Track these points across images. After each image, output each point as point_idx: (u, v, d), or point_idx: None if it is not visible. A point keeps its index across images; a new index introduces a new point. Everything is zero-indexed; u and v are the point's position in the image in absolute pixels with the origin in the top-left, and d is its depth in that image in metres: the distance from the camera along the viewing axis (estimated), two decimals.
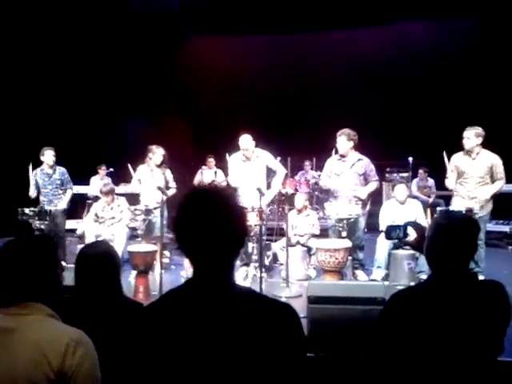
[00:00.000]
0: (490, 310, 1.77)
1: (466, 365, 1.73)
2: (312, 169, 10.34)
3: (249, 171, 5.97)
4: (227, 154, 6.56)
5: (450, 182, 5.57)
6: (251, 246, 5.84)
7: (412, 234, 5.14)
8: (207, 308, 1.25)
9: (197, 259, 1.31)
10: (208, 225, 1.26)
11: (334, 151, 6.41)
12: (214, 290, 1.27)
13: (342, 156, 5.84)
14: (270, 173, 6.13)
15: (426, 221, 5.73)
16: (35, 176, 6.50)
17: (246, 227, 1.35)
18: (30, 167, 6.45)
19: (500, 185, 5.36)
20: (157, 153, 6.36)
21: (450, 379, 1.72)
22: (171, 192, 6.25)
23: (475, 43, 9.77)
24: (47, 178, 6.52)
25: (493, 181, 5.36)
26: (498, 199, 5.59)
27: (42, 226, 5.79)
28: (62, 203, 6.55)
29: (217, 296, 1.27)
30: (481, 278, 4.58)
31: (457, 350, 1.73)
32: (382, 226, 5.68)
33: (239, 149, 6.04)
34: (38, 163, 6.57)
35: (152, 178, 6.36)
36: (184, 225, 1.30)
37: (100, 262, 2.18)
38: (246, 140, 5.95)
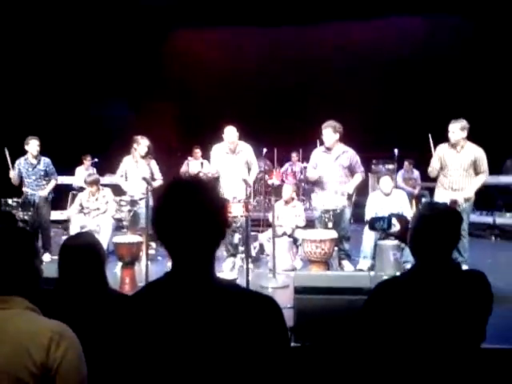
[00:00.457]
0: (472, 299, 1.80)
1: (450, 352, 1.76)
2: (299, 160, 10.36)
3: (232, 163, 5.97)
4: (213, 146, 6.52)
5: (433, 171, 5.60)
6: (237, 237, 5.84)
7: (396, 225, 5.17)
8: (187, 301, 1.23)
9: (176, 251, 1.28)
10: (187, 216, 1.23)
11: (318, 143, 6.42)
12: (194, 282, 1.25)
13: (328, 148, 5.84)
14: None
15: (411, 212, 5.78)
16: (18, 165, 6.41)
17: (226, 219, 1.33)
18: (7, 152, 6.34)
19: (483, 178, 5.42)
20: (141, 143, 6.29)
21: (433, 367, 1.75)
22: (157, 183, 6.20)
23: (463, 38, 9.87)
24: (31, 168, 6.43)
25: (476, 173, 5.41)
26: (481, 191, 5.66)
27: (26, 217, 5.73)
28: (45, 191, 6.45)
29: (197, 289, 1.24)
30: (465, 267, 4.65)
31: (440, 338, 1.76)
32: (368, 217, 5.72)
33: (223, 140, 6.02)
34: (21, 152, 6.47)
35: (137, 168, 6.30)
36: (163, 216, 1.28)
37: (84, 253, 2.14)
38: (231, 132, 5.93)
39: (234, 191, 5.55)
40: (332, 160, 5.80)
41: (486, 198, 7.82)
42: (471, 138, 5.47)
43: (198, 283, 1.25)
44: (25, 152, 6.44)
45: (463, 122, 5.37)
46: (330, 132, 5.75)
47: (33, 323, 1.51)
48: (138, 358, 1.22)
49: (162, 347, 1.20)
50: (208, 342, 1.19)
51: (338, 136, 5.78)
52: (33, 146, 6.38)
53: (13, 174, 6.34)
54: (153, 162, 6.43)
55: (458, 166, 5.39)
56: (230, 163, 5.98)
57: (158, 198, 1.32)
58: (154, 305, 1.25)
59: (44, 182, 6.51)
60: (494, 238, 8.16)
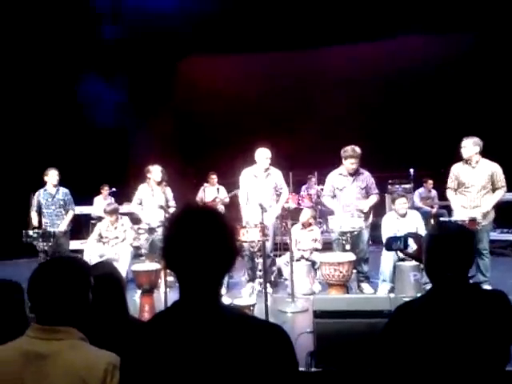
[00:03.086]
0: (494, 320, 1.76)
1: (473, 375, 1.72)
2: (315, 183, 10.35)
3: (260, 187, 5.97)
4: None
5: (450, 193, 5.56)
6: (256, 262, 5.83)
7: (413, 246, 5.11)
8: (193, 331, 1.21)
9: (184, 279, 1.28)
10: (196, 244, 1.23)
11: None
12: (201, 312, 1.24)
13: (348, 173, 5.84)
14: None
15: (425, 232, 5.72)
16: (38, 196, 6.53)
17: (235, 247, 1.31)
18: (32, 196, 6.50)
19: (501, 193, 5.35)
20: (154, 171, 6.37)
21: None
22: (172, 210, 6.25)
23: (473, 55, 9.87)
24: (50, 199, 6.54)
25: (494, 189, 5.35)
26: (502, 208, 5.58)
27: (46, 248, 5.80)
28: (63, 224, 6.53)
29: (203, 319, 1.23)
30: (487, 287, 4.57)
31: (463, 360, 1.72)
32: (384, 238, 5.65)
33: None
34: (39, 185, 6.60)
35: (152, 197, 6.36)
36: (172, 243, 1.28)
37: (104, 283, 2.16)
38: (264, 153, 5.96)
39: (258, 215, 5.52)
40: (349, 182, 5.81)
41: (507, 215, 7.70)
42: (489, 155, 5.43)
43: (205, 313, 1.24)
44: (43, 184, 6.57)
45: (475, 139, 5.34)
46: (356, 161, 5.74)
47: (87, 354, 1.53)
48: None
49: (167, 378, 1.20)
50: (214, 372, 1.17)
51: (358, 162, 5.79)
52: (52, 176, 6.50)
53: (34, 216, 6.46)
54: (168, 190, 6.50)
55: (476, 183, 5.33)
56: (258, 187, 5.98)
57: (168, 226, 1.33)
58: (161, 335, 1.24)
59: (63, 212, 6.59)
60: None
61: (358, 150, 5.77)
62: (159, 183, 6.39)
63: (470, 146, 5.31)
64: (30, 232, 5.85)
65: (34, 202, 6.50)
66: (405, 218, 5.86)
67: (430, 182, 9.39)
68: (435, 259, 1.85)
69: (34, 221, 6.45)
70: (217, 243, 1.25)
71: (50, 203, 6.54)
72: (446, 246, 1.83)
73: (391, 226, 5.79)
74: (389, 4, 9.59)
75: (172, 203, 6.46)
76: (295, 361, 1.29)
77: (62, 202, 6.58)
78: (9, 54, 8.94)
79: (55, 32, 9.08)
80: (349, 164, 5.76)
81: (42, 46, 9.22)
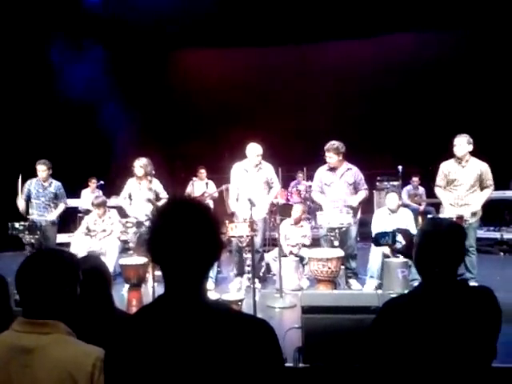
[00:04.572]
0: (480, 316, 1.78)
1: (460, 371, 1.73)
2: (304, 179, 10.37)
3: (251, 181, 5.95)
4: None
5: (439, 190, 5.59)
6: (245, 257, 5.81)
7: (401, 241, 5.14)
8: (177, 324, 1.21)
9: (169, 272, 1.27)
10: (181, 236, 1.23)
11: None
12: (186, 305, 1.23)
13: (332, 167, 5.86)
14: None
15: (415, 229, 5.76)
16: (29, 185, 6.41)
17: (220, 241, 1.31)
18: (19, 180, 6.36)
19: (489, 192, 5.41)
20: (136, 165, 6.28)
21: None
22: (162, 203, 6.19)
23: (463, 53, 9.94)
24: (41, 190, 6.44)
25: (482, 188, 5.40)
26: (489, 206, 5.64)
27: (33, 241, 5.73)
28: (53, 215, 6.46)
29: (189, 312, 1.23)
30: (473, 284, 4.61)
31: (449, 356, 1.73)
32: (374, 234, 5.69)
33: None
34: (28, 176, 6.49)
35: (140, 190, 6.29)
36: (157, 236, 1.27)
37: (90, 276, 2.14)
38: (255, 148, 5.94)
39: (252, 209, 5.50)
40: (337, 178, 5.82)
41: (493, 213, 7.78)
42: (477, 153, 5.47)
43: (189, 306, 1.23)
44: (33, 175, 6.47)
45: (468, 137, 5.38)
46: (332, 155, 5.77)
47: (75, 349, 1.51)
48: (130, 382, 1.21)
49: (151, 372, 1.19)
50: (198, 366, 1.17)
51: (341, 156, 5.80)
52: (39, 172, 6.40)
53: (21, 202, 6.32)
54: (155, 182, 6.37)
55: (464, 181, 5.38)
56: (249, 181, 5.96)
57: (154, 218, 1.32)
58: (145, 329, 1.24)
59: (52, 205, 6.51)
60: (502, 253, 8.10)
61: (336, 144, 5.78)
62: (144, 177, 6.28)
63: (464, 145, 5.34)
64: (16, 224, 5.76)
65: (24, 190, 6.38)
66: (396, 214, 5.88)
67: (415, 179, 9.44)
68: (426, 254, 1.86)
69: (21, 207, 6.30)
70: (201, 236, 1.24)
71: (41, 194, 6.43)
72: (438, 242, 1.84)
73: (382, 222, 5.81)
74: (380, 1, 9.60)
75: (163, 195, 6.32)
76: (281, 356, 1.29)
77: (52, 195, 6.49)
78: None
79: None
80: (327, 158, 5.80)
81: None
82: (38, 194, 6.43)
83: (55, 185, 6.55)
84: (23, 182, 6.41)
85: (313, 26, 10.03)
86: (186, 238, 1.23)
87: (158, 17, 9.26)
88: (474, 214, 5.28)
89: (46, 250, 1.72)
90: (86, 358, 1.48)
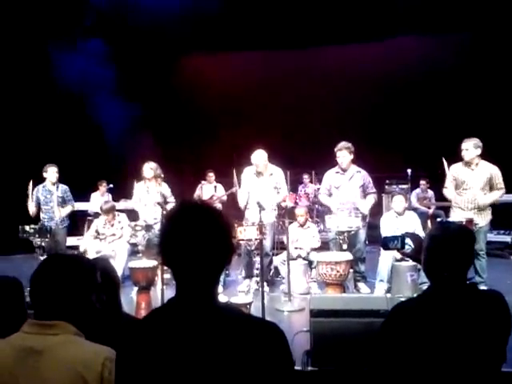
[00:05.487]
0: (490, 320, 1.76)
1: (469, 375, 1.72)
2: (311, 182, 10.36)
3: (261, 186, 5.94)
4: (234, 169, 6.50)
5: (448, 192, 5.57)
6: (254, 260, 5.82)
7: (410, 245, 5.12)
8: (190, 328, 1.21)
9: (180, 275, 1.27)
10: (193, 240, 1.23)
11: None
12: (197, 309, 1.24)
13: (342, 169, 5.85)
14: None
15: (423, 232, 5.73)
16: (37, 193, 6.48)
17: (232, 245, 1.31)
18: (30, 185, 6.43)
19: (500, 193, 5.37)
20: (145, 168, 6.32)
21: None
22: (170, 206, 6.21)
23: (469, 56, 9.87)
24: (49, 195, 6.50)
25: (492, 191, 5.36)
26: (499, 209, 5.59)
27: (43, 244, 5.77)
28: (62, 212, 6.49)
29: (200, 315, 1.23)
30: (483, 288, 4.58)
31: (459, 360, 1.72)
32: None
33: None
34: (38, 180, 6.56)
35: (148, 194, 6.33)
36: (169, 239, 1.28)
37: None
38: (258, 156, 5.93)
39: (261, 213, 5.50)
40: (346, 180, 5.81)
41: (504, 217, 7.71)
42: (487, 156, 5.43)
43: (200, 310, 1.24)
44: (42, 180, 6.54)
45: (476, 140, 5.35)
46: (345, 154, 5.77)
47: (84, 349, 1.52)
48: None
49: (162, 375, 1.19)
50: (209, 369, 1.17)
51: (352, 156, 5.80)
52: (51, 173, 6.46)
53: (31, 206, 6.39)
54: (164, 186, 6.40)
55: (474, 185, 5.34)
56: (258, 186, 5.97)
57: (165, 222, 1.33)
58: (156, 332, 1.24)
59: (61, 210, 6.56)
60: None
61: (344, 143, 5.79)
62: (153, 179, 6.31)
63: (472, 149, 5.31)
64: (27, 227, 5.81)
65: (34, 197, 6.46)
66: (403, 217, 5.86)
67: (423, 182, 9.39)
68: (435, 259, 1.85)
69: (31, 210, 6.37)
70: (213, 240, 1.25)
71: (49, 200, 6.50)
72: (447, 246, 1.83)
73: (390, 225, 5.79)
74: (383, 5, 9.58)
75: (171, 199, 6.35)
76: (291, 359, 1.29)
77: (60, 199, 6.54)
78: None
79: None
80: (340, 158, 5.80)
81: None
82: (47, 200, 6.50)
83: (62, 188, 6.60)
84: (34, 187, 6.48)
85: (317, 30, 10.03)
86: (199, 242, 1.23)
87: (164, 22, 9.30)
88: (480, 213, 5.24)
89: (64, 255, 1.72)
90: (96, 358, 1.48)
